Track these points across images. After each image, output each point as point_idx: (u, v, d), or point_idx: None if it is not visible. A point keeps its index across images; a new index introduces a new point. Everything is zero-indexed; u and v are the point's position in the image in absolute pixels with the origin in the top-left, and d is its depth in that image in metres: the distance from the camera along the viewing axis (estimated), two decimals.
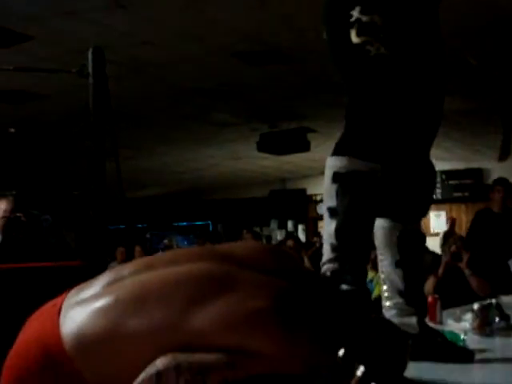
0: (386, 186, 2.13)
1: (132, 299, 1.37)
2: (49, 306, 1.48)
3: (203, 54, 6.46)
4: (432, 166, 2.34)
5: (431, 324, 2.78)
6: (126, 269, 1.50)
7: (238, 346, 1.30)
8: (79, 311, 1.39)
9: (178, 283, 1.37)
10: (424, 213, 2.38)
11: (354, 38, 2.10)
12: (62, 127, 7.51)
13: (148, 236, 15.44)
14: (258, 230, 14.60)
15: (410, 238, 2.24)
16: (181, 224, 15.68)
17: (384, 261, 2.24)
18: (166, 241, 15.02)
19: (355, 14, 2.09)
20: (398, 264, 2.20)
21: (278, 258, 1.50)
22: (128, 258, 8.98)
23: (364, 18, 2.08)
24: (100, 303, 1.39)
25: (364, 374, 0.80)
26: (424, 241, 3.19)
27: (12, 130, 3.82)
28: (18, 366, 1.39)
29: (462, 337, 2.25)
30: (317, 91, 7.85)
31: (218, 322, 1.31)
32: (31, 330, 1.44)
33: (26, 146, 8.99)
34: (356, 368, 0.79)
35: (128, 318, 1.34)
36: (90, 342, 1.34)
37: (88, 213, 3.94)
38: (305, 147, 9.62)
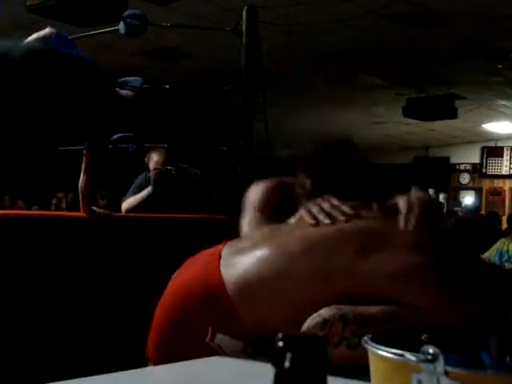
0: None
1: (298, 250, 1.48)
2: (206, 254, 1.62)
3: (354, 16, 6.40)
4: None
5: None
6: (281, 225, 1.61)
7: (399, 296, 1.38)
8: (240, 258, 1.53)
9: (342, 238, 1.48)
10: None
11: None
12: (213, 84, 7.67)
13: None
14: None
15: None
16: None
17: None
18: None
19: None
20: None
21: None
22: None
23: None
24: (262, 252, 1.51)
25: None
26: None
27: (166, 86, 3.95)
28: (182, 301, 1.55)
29: None
30: (468, 56, 7.61)
31: (383, 270, 1.40)
32: (192, 271, 1.60)
33: (178, 102, 9.27)
34: None
35: (295, 265, 1.46)
36: (253, 284, 1.47)
37: (235, 169, 4.04)
38: (452, 114, 9.37)
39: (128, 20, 3.87)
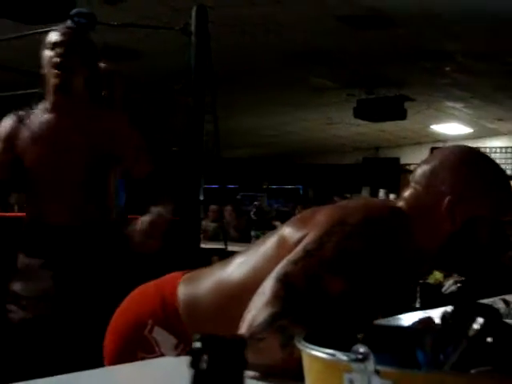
0: None
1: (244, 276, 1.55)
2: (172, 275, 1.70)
3: (306, 17, 6.42)
4: None
5: None
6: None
7: None
8: (199, 277, 1.61)
9: None
10: None
11: None
12: (163, 84, 7.63)
13: (239, 197, 15.56)
14: (349, 196, 14.53)
15: None
16: (271, 187, 15.72)
17: None
18: (256, 202, 15.14)
19: None
20: None
21: None
22: (219, 216, 9.10)
23: None
24: (218, 275, 1.60)
25: (482, 326, 0.80)
26: None
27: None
28: (134, 298, 1.67)
29: None
30: (417, 58, 7.71)
31: None
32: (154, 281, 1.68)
33: (127, 102, 9.16)
34: (473, 320, 0.80)
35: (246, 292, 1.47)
36: (202, 306, 1.55)
37: (185, 170, 4.03)
38: (401, 115, 9.49)
39: (75, 18, 3.82)
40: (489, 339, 0.80)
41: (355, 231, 1.37)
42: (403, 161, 14.59)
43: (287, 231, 1.48)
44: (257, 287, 1.38)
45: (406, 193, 1.50)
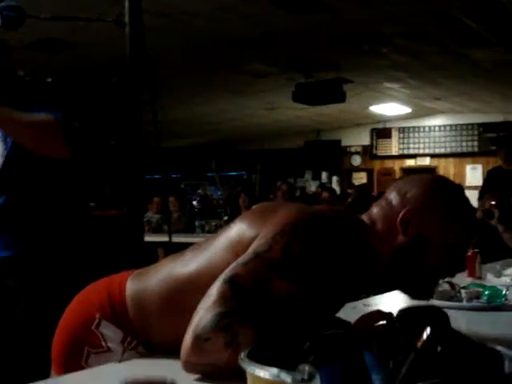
0: None
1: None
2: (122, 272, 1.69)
3: (241, 3, 6.37)
4: None
5: (470, 279, 2.76)
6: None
7: None
8: (148, 271, 1.60)
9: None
10: None
11: None
12: (99, 77, 7.51)
13: (182, 186, 15.49)
14: (292, 180, 14.59)
15: None
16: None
17: None
18: (200, 191, 15.08)
19: None
20: None
21: None
22: (163, 208, 9.04)
23: None
24: (165, 269, 1.58)
25: (431, 335, 0.78)
26: None
27: (49, 80, 3.81)
28: (82, 295, 1.66)
29: (503, 292, 2.23)
30: (354, 41, 7.74)
31: None
32: (102, 284, 1.65)
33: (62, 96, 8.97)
34: (422, 330, 0.78)
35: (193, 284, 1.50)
36: (148, 300, 1.53)
37: (125, 163, 3.96)
38: (340, 98, 9.52)
39: (4, 12, 3.70)
40: (438, 348, 0.78)
41: (305, 235, 1.37)
42: (344, 143, 14.72)
43: (239, 229, 1.48)
44: (206, 283, 1.37)
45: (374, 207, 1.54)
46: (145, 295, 1.52)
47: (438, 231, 1.43)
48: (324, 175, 14.90)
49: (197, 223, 8.24)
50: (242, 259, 1.36)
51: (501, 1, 6.17)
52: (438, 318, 0.83)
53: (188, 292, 1.45)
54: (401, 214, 1.42)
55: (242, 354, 0.77)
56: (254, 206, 1.64)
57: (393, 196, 1.49)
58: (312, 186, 14.45)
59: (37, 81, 2.61)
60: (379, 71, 9.34)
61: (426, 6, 6.42)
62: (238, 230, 1.48)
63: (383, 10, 6.63)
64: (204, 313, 1.28)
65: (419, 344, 0.79)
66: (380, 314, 1.46)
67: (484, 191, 5.83)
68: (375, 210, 1.52)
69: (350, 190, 9.91)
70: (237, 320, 1.26)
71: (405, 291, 1.51)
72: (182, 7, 6.44)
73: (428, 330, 0.80)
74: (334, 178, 14.77)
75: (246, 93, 10.55)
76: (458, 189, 1.52)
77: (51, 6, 6.06)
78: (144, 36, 4.08)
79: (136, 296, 1.53)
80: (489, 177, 6.33)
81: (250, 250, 1.38)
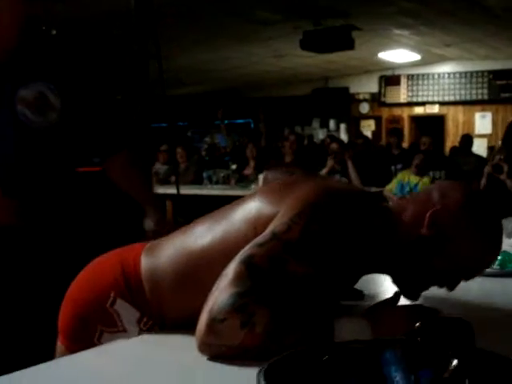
0: None
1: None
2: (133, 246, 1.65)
3: None
4: None
5: None
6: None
7: None
8: (163, 244, 1.56)
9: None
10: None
11: None
12: (102, 28, 7.40)
13: (189, 134, 15.42)
14: (299, 129, 14.50)
15: None
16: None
17: None
18: (207, 139, 15.02)
19: None
20: None
21: None
22: (170, 158, 8.99)
23: None
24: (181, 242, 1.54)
25: (458, 367, 0.75)
26: None
27: (54, 32, 3.74)
28: (94, 269, 1.62)
29: None
30: None
31: None
32: (115, 258, 1.61)
33: (67, 49, 8.87)
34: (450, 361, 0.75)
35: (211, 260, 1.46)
36: (165, 277, 1.50)
37: (131, 117, 3.91)
38: (349, 45, 9.40)
39: None
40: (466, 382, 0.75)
41: (324, 216, 1.34)
42: (352, 90, 14.58)
43: (258, 205, 1.44)
44: (221, 256, 1.36)
45: None
46: (158, 271, 1.49)
47: (459, 239, 1.41)
48: (332, 123, 14.80)
49: (204, 174, 8.20)
50: (259, 239, 1.33)
51: None
52: (463, 334, 0.80)
53: (202, 266, 1.43)
54: (433, 209, 1.40)
55: (259, 373, 0.73)
56: (272, 183, 1.60)
57: (434, 192, 1.46)
58: (320, 134, 14.38)
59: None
60: (388, 18, 9.18)
61: None
62: (256, 205, 1.44)
63: None
64: (219, 293, 1.26)
65: (446, 375, 0.76)
66: (421, 312, 1.41)
67: (506, 142, 5.70)
68: (412, 196, 1.52)
69: (359, 141, 9.82)
70: (253, 300, 1.24)
71: (396, 281, 1.48)
72: None
73: (455, 361, 0.76)
74: (342, 126, 14.68)
75: (253, 40, 10.42)
76: (496, 214, 1.48)
77: None
78: None
79: (150, 272, 1.50)
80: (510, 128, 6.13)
81: (268, 230, 1.35)
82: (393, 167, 8.44)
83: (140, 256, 1.53)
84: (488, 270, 1.96)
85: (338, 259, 1.35)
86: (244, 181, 7.95)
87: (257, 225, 1.39)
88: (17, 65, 2.15)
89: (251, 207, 1.45)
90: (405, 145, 11.24)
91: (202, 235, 1.48)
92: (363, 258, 1.41)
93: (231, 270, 1.29)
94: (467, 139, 9.54)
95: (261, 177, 6.74)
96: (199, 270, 1.43)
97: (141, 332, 1.48)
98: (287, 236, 1.31)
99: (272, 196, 1.45)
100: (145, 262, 1.52)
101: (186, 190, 6.74)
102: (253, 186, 7.21)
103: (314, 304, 1.32)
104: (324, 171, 7.34)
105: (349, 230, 1.35)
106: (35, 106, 2.11)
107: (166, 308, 1.47)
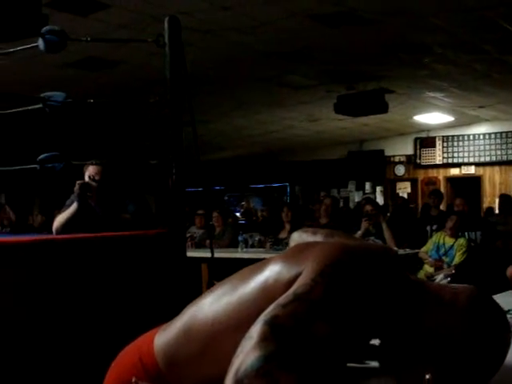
0: None
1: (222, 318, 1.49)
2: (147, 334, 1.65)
3: (280, 17, 6.38)
4: None
5: None
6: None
7: None
8: (173, 324, 1.55)
9: None
10: None
11: None
12: (141, 94, 7.57)
13: (226, 198, 15.54)
14: (335, 191, 14.52)
15: None
16: (258, 186, 15.68)
17: None
18: (243, 203, 15.12)
19: None
20: None
21: None
22: (206, 222, 9.07)
23: None
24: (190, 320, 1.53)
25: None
26: None
27: (91, 101, 3.86)
28: (116, 366, 1.62)
29: None
30: (394, 51, 7.70)
31: None
32: (133, 346, 1.63)
33: (102, 116, 9.11)
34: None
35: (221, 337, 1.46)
36: (179, 355, 1.50)
37: (167, 181, 3.97)
38: (383, 108, 9.47)
39: (47, 36, 3.75)
40: None
41: (347, 276, 1.33)
42: (388, 152, 14.61)
43: (277, 270, 1.44)
44: (240, 327, 1.34)
45: None
46: (172, 347, 1.50)
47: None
48: (368, 185, 14.81)
49: (240, 238, 8.23)
50: (282, 300, 1.31)
51: None
52: None
53: (221, 338, 1.42)
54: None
55: None
56: (290, 247, 1.60)
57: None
58: (356, 197, 14.38)
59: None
60: (421, 81, 9.26)
61: (465, 14, 6.36)
62: (273, 270, 1.44)
63: (422, 20, 6.58)
64: (244, 357, 1.22)
65: None
66: None
67: None
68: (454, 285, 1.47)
69: (389, 202, 9.80)
70: (278, 365, 1.20)
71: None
72: (220, 23, 6.48)
73: None
74: (378, 189, 14.67)
75: (286, 105, 10.56)
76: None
77: (90, 25, 6.17)
78: (183, 56, 4.11)
79: (164, 350, 1.51)
80: None
81: (291, 291, 1.33)
82: (428, 227, 8.40)
83: (153, 340, 1.55)
84: None
85: (360, 317, 1.34)
86: (279, 244, 7.96)
87: (275, 293, 1.37)
88: None
89: (268, 276, 1.44)
90: (441, 207, 11.18)
91: (213, 307, 1.48)
92: (383, 315, 1.40)
93: (255, 332, 1.26)
94: (505, 199, 9.47)
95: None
96: (215, 343, 1.42)
97: None
98: (310, 296, 1.30)
99: (290, 258, 1.45)
100: (158, 344, 1.53)
101: (220, 254, 6.77)
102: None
103: (339, 366, 1.31)
104: (359, 233, 7.34)
105: (369, 290, 1.34)
106: None
107: (185, 381, 1.48)
